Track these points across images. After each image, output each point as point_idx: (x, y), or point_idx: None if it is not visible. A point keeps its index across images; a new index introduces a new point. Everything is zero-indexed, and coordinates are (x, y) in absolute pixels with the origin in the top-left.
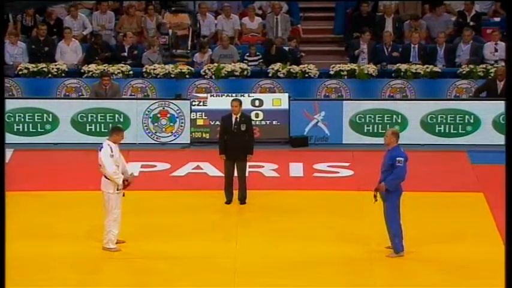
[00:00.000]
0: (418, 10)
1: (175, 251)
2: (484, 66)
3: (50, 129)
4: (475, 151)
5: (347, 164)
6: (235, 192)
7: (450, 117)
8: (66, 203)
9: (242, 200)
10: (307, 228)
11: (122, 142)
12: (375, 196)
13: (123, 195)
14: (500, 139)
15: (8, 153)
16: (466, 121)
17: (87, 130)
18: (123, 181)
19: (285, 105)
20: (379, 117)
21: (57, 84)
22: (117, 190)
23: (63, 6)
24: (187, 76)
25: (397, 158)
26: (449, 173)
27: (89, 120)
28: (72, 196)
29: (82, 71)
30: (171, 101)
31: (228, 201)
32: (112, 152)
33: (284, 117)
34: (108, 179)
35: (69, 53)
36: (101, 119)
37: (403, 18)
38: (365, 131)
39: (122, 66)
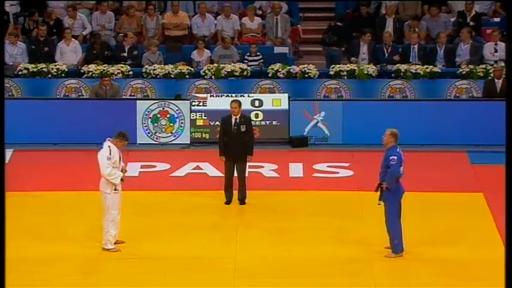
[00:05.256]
0: (418, 10)
1: (175, 251)
2: (483, 66)
3: (50, 129)
4: (475, 151)
5: (347, 164)
6: (235, 193)
7: (450, 117)
8: (65, 203)
9: (242, 200)
10: (307, 228)
11: None
12: (379, 199)
13: (122, 180)
14: (500, 139)
15: (8, 153)
16: (466, 121)
17: (87, 130)
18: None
19: (284, 105)
20: (379, 117)
21: (57, 84)
22: (115, 190)
23: (63, 7)
24: (187, 76)
25: (391, 157)
26: (449, 173)
27: (89, 120)
28: (71, 196)
29: (82, 71)
30: (171, 101)
31: (228, 201)
32: (110, 154)
33: (284, 118)
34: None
35: (68, 53)
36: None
37: (403, 18)
38: (365, 131)
39: (122, 67)
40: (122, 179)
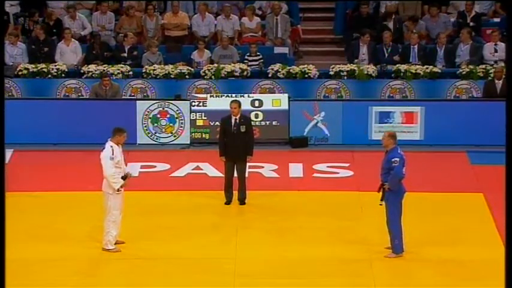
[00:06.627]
0: (417, 11)
1: (175, 251)
2: (483, 66)
3: (50, 129)
4: (475, 151)
5: (347, 165)
6: (235, 193)
7: (450, 117)
8: (66, 204)
9: (242, 200)
10: (306, 228)
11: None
12: (381, 199)
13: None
14: (500, 139)
15: (8, 153)
16: (466, 121)
17: (87, 130)
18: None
19: (284, 105)
20: (378, 117)
21: (57, 84)
22: (117, 191)
23: (63, 7)
24: (187, 77)
25: (393, 159)
26: (449, 173)
27: (89, 120)
28: (72, 197)
29: (82, 71)
30: (171, 101)
31: (228, 201)
32: (113, 154)
33: (284, 118)
34: None
35: (68, 53)
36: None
37: (403, 18)
38: (365, 131)
39: (122, 67)
40: (123, 178)
